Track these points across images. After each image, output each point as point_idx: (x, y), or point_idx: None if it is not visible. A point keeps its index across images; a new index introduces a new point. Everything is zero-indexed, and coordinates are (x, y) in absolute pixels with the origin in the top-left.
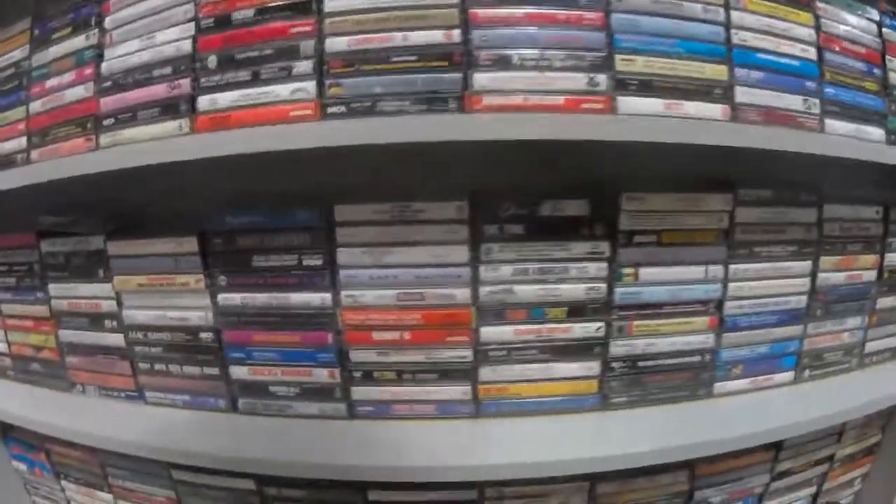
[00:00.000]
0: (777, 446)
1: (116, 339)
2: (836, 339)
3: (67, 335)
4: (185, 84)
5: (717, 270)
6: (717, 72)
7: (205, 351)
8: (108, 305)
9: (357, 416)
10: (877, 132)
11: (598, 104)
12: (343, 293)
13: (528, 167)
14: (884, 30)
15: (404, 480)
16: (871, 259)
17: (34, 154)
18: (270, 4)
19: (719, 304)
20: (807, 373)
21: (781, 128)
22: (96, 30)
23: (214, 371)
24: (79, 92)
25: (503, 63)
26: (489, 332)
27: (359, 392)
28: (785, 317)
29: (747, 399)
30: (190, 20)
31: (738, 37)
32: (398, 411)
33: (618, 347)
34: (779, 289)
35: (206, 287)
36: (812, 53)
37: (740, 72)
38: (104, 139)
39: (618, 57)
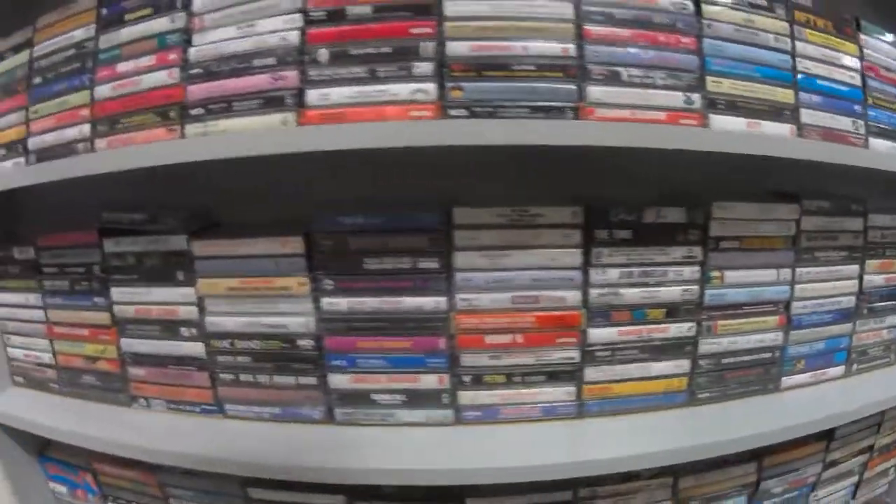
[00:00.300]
0: (829, 437)
1: (195, 349)
2: (877, 335)
3: (132, 344)
4: (291, 77)
5: (786, 273)
6: (785, 95)
7: (302, 359)
8: (187, 312)
9: (463, 422)
10: None
11: (694, 120)
12: (458, 297)
13: (632, 176)
14: None
15: (507, 482)
16: None
17: (100, 143)
18: (389, 3)
19: (787, 305)
20: (854, 367)
21: (836, 145)
22: (183, 13)
23: (311, 381)
24: (160, 77)
25: (613, 78)
26: (596, 334)
27: (466, 397)
28: (838, 315)
29: (808, 392)
30: (297, 10)
31: (801, 65)
32: (505, 415)
33: (705, 346)
34: (833, 290)
35: (310, 291)
36: (857, 80)
37: (804, 96)
38: (191, 129)
39: (708, 79)
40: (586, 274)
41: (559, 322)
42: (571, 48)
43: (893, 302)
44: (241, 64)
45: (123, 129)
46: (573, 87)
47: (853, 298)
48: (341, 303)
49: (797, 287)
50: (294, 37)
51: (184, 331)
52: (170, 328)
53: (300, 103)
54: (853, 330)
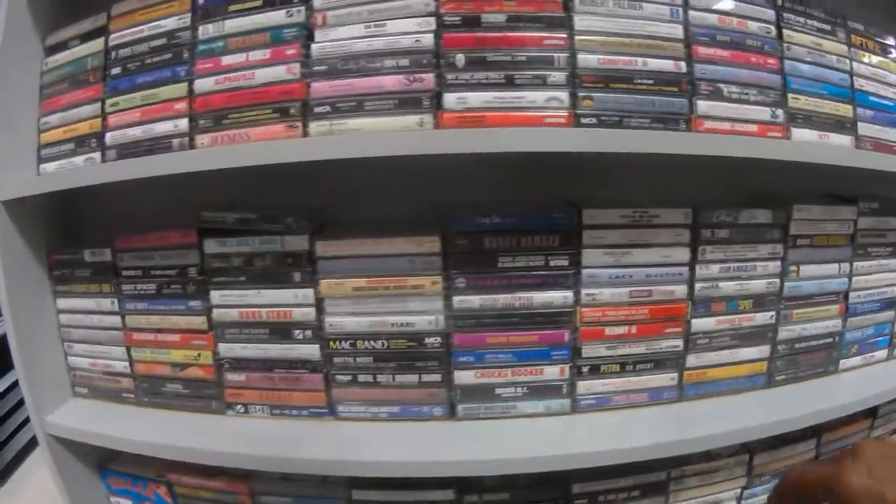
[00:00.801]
0: (874, 414)
1: (308, 351)
2: None
3: (232, 349)
4: (428, 79)
5: (845, 267)
6: (846, 110)
7: (428, 357)
8: (303, 314)
9: (579, 410)
10: None
11: (779, 133)
12: (584, 292)
13: (726, 182)
14: None
15: (619, 463)
16: None
17: (202, 139)
18: (522, 12)
19: (846, 295)
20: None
21: (886, 154)
22: (302, 7)
23: (436, 378)
24: (277, 73)
25: (717, 94)
26: (698, 324)
27: (584, 386)
28: (884, 304)
29: (859, 373)
30: (430, 14)
31: (857, 82)
32: (616, 402)
33: (783, 332)
34: (882, 282)
35: (442, 290)
36: None
37: (860, 110)
38: (315, 127)
39: (789, 95)
40: (693, 269)
41: (668, 314)
42: (683, 65)
43: None
44: (371, 63)
45: (233, 124)
46: (685, 100)
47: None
48: (473, 300)
49: (854, 279)
50: (429, 40)
51: (297, 333)
52: (281, 331)
53: (437, 105)
54: (895, 318)
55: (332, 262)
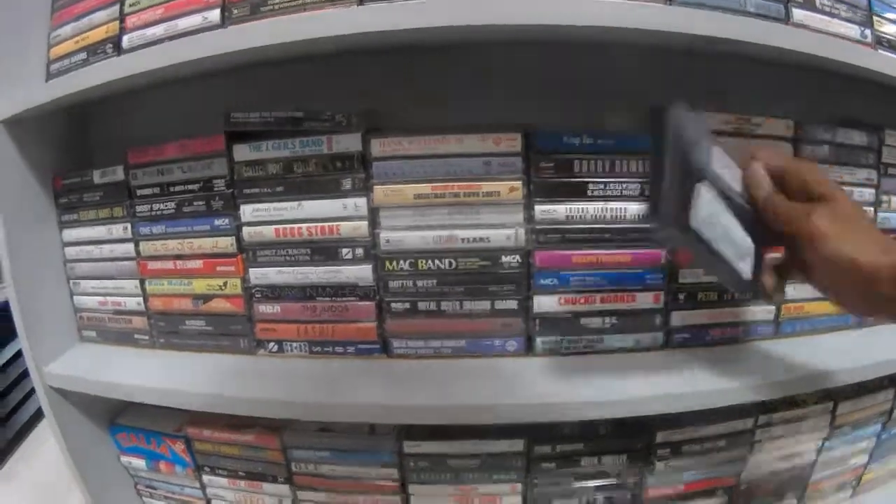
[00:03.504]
0: None
1: (358, 274)
2: None
3: (266, 275)
4: None
5: None
6: None
7: (504, 280)
8: (353, 228)
9: (671, 345)
10: None
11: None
12: None
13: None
14: None
15: (711, 407)
16: None
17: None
18: None
19: None
20: None
21: None
22: None
23: (512, 305)
24: None
25: (810, 3)
26: None
27: (678, 317)
28: None
29: None
30: None
31: None
32: (713, 336)
33: None
34: None
35: (523, 198)
36: None
37: None
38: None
39: (874, 17)
40: None
41: None
42: None
43: None
44: None
45: (273, 11)
46: (781, 6)
47: None
48: (558, 210)
49: None
50: None
51: (346, 252)
52: (325, 250)
53: None
54: None
55: (389, 164)
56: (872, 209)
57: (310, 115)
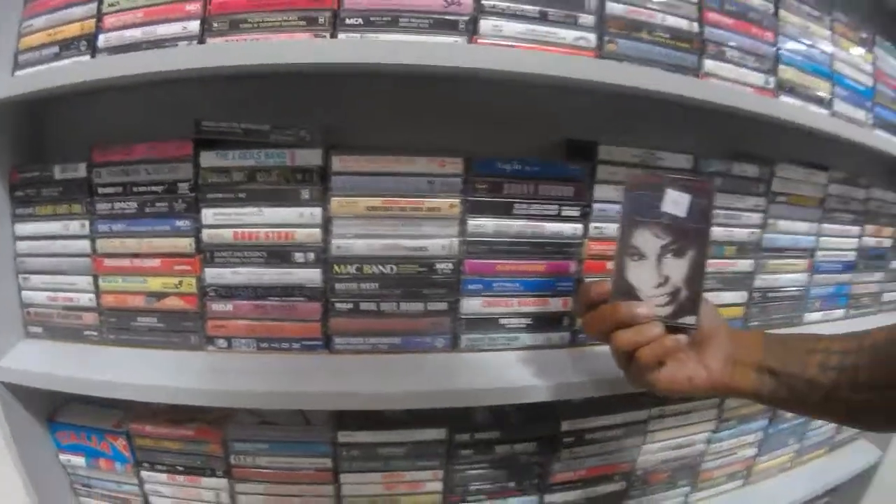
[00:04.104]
0: None
1: (309, 276)
2: (867, 287)
3: (221, 275)
4: (466, 4)
5: (814, 227)
6: (825, 88)
7: (437, 284)
8: (307, 234)
9: (577, 343)
10: None
11: (769, 97)
12: (592, 225)
13: (714, 139)
14: None
15: (612, 394)
16: (890, 230)
17: (214, 42)
18: None
19: (813, 253)
20: (851, 311)
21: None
22: None
23: (442, 306)
24: None
25: (720, 55)
26: None
27: None
28: (844, 266)
29: (820, 327)
30: None
31: (836, 65)
32: None
33: (759, 281)
34: (842, 245)
35: (459, 213)
36: (870, 82)
37: (837, 89)
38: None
39: (780, 66)
40: None
41: None
42: (696, 25)
43: (880, 261)
44: None
45: (252, 29)
46: (695, 57)
47: (854, 254)
48: (488, 225)
49: (821, 239)
50: None
51: (298, 256)
52: (280, 254)
53: (473, 31)
54: (852, 280)
55: (346, 179)
56: (759, 231)
57: (276, 128)
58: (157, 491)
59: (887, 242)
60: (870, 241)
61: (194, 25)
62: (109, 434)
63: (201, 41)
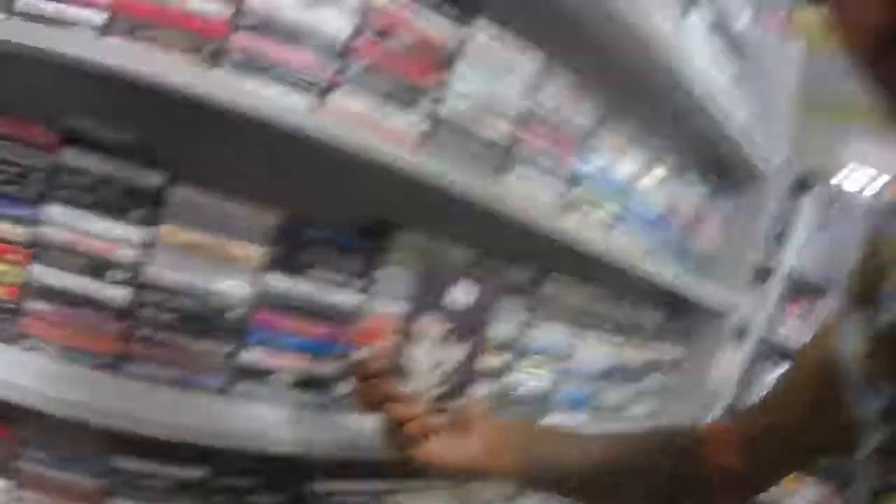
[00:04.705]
0: None
1: (119, 295)
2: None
3: (46, 274)
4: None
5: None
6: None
7: (225, 328)
8: (127, 255)
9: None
10: None
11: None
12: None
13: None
14: None
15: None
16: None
17: (113, 41)
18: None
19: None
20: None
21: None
22: None
23: (227, 350)
24: (208, 6)
25: None
26: None
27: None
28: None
29: None
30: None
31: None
32: None
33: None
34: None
35: (262, 265)
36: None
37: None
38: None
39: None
40: None
41: None
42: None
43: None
44: (294, 35)
45: (148, 38)
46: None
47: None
48: (285, 282)
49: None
50: (344, 36)
51: (110, 274)
52: (98, 267)
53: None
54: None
55: (180, 208)
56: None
57: (139, 144)
58: None
59: (640, 360)
60: (625, 357)
61: (102, 18)
62: None
63: (108, 32)
